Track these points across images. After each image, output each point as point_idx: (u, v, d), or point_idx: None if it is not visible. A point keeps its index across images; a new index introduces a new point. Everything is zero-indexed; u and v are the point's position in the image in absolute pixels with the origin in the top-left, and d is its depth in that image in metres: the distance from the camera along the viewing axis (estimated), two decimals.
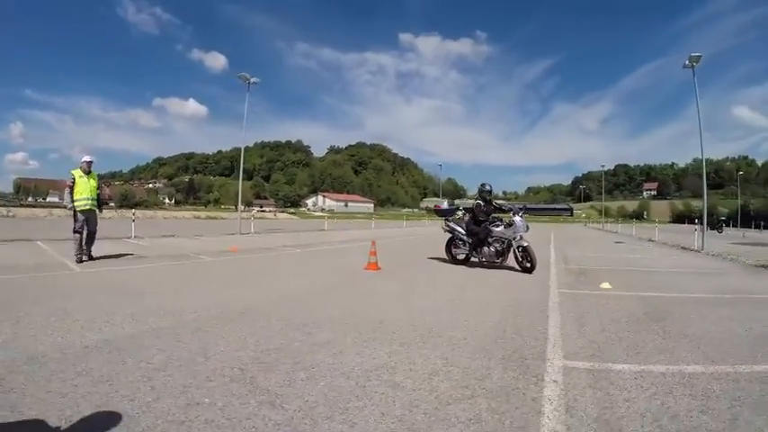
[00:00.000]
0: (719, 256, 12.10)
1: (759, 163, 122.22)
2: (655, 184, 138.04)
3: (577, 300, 5.51)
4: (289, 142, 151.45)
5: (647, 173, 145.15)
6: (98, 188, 7.85)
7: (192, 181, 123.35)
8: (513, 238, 7.72)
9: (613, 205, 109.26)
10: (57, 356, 2.82)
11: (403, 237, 20.00)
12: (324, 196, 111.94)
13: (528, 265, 7.52)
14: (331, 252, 11.88)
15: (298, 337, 3.50)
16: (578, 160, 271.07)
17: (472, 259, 8.37)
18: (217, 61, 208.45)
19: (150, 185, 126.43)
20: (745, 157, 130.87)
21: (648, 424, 2.21)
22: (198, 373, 2.65)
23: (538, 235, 18.56)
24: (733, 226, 46.36)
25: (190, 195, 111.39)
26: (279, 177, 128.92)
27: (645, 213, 78.83)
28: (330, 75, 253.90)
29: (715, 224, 32.71)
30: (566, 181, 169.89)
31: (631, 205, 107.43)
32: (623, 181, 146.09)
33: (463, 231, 8.36)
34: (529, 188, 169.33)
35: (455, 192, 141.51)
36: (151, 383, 2.47)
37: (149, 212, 45.14)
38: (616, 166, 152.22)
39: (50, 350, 2.93)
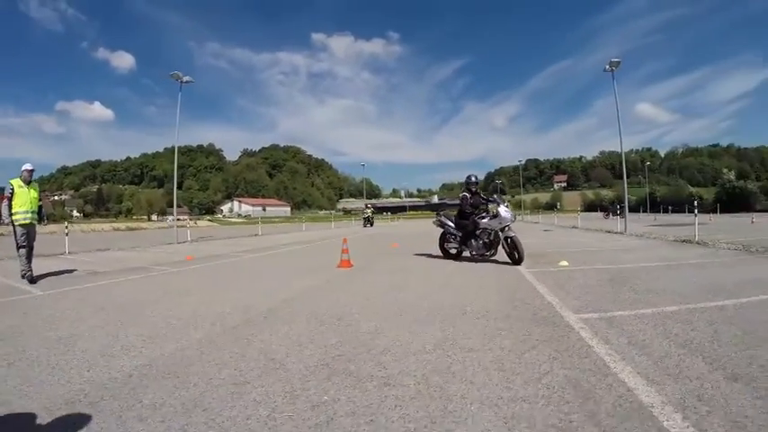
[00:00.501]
0: (643, 236, 14.81)
1: (662, 154, 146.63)
2: (564, 177, 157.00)
3: (549, 275, 6.72)
4: (201, 146, 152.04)
5: (557, 166, 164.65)
6: (39, 199, 7.31)
7: (101, 191, 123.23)
8: (501, 230, 7.95)
9: (527, 198, 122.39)
10: (103, 393, 2.49)
11: (340, 237, 20.31)
12: (240, 202, 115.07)
13: (516, 256, 7.75)
14: (290, 254, 12.19)
15: (347, 329, 3.98)
16: (489, 156, 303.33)
17: (464, 253, 8.73)
18: (124, 61, 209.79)
19: (56, 197, 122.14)
20: (649, 149, 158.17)
21: (665, 341, 3.23)
22: (291, 377, 2.71)
23: None
24: (643, 212, 54.94)
25: (100, 207, 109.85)
26: (192, 184, 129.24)
27: (558, 204, 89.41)
28: (242, 75, 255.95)
29: (616, 211, 38.56)
30: (478, 176, 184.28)
31: (544, 197, 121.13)
32: (534, 175, 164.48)
33: (453, 225, 8.77)
34: (443, 185, 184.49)
35: (371, 191, 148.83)
36: (250, 397, 2.41)
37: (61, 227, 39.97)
38: (527, 161, 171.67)
39: (90, 387, 2.58)
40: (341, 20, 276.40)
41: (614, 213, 39.00)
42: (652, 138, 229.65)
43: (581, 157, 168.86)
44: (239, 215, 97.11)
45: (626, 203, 20.09)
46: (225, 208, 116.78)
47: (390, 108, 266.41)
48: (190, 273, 8.23)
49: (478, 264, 8.16)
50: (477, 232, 8.24)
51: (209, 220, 74.56)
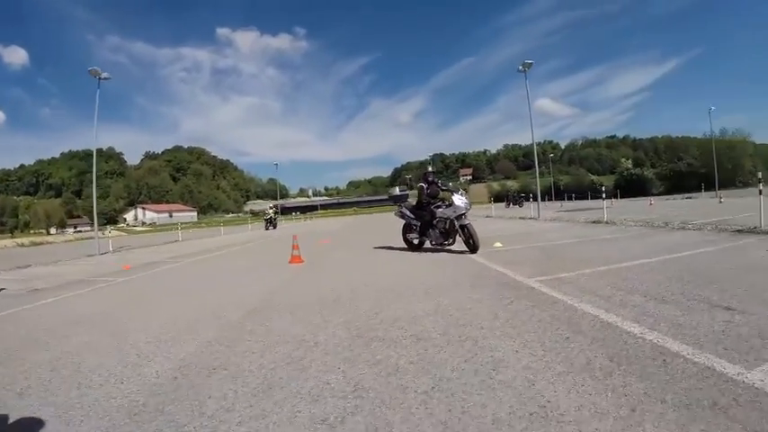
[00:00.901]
0: (555, 220, 17.28)
1: (562, 146, 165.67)
2: (470, 170, 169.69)
3: (492, 254, 7.98)
4: (100, 150, 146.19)
5: (462, 160, 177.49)
6: None
7: None
8: (456, 218, 8.36)
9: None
10: (162, 398, 2.52)
11: (267, 238, 20.16)
12: (144, 209, 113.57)
13: (472, 243, 8.18)
14: (231, 256, 12.45)
15: (349, 308, 4.64)
16: (395, 152, 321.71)
17: (426, 244, 9.25)
18: (17, 56, 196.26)
19: None
20: (551, 142, 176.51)
21: (606, 287, 4.46)
22: (337, 349, 3.35)
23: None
24: (548, 200, 61.76)
25: None
26: (92, 191, 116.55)
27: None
28: (142, 72, 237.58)
29: (516, 200, 43.68)
30: (385, 173, 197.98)
31: None
32: (441, 169, 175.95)
33: (412, 216, 9.29)
34: (350, 182, 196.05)
35: (276, 192, 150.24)
36: (311, 371, 2.94)
37: None
38: (433, 156, 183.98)
39: (142, 396, 2.58)
40: (247, 14, 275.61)
41: (514, 203, 44.58)
42: (553, 131, 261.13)
43: (485, 150, 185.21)
44: (143, 223, 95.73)
45: (538, 192, 22.97)
46: (128, 216, 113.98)
47: (296, 106, 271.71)
48: (140, 280, 8.16)
49: (437, 253, 8.88)
50: (435, 221, 8.76)
51: (113, 230, 70.26)
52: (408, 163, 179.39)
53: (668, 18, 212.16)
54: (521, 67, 21.55)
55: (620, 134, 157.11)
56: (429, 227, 8.92)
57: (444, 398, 2.26)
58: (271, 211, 34.06)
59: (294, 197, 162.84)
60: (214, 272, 8.82)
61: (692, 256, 6.23)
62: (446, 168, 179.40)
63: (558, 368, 2.54)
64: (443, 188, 9.16)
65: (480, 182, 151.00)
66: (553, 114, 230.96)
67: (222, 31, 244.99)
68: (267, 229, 31.17)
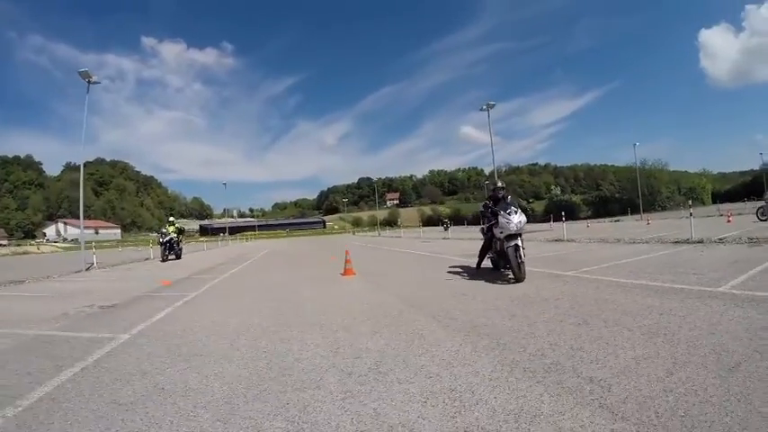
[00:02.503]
0: None
1: (486, 172, 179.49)
2: (397, 195, 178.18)
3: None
4: (17, 158, 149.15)
5: (389, 184, 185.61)
6: None
7: None
8: (506, 239, 7.71)
9: (364, 215, 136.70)
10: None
11: (242, 253, 21.19)
12: (65, 223, 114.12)
13: (519, 270, 7.44)
14: (252, 272, 12.35)
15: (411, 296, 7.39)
16: (321, 175, 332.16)
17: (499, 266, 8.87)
18: None
19: None
20: (475, 168, 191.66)
21: (613, 275, 7.74)
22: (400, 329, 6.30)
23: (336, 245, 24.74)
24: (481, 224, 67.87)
25: None
26: (9, 202, 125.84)
27: (399, 221, 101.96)
28: (64, 76, 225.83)
29: (446, 224, 49.19)
30: (311, 195, 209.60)
31: (381, 214, 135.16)
32: (367, 192, 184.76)
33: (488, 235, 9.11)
34: (276, 204, 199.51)
35: (201, 211, 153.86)
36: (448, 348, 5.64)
37: None
38: (359, 179, 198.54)
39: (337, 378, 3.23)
40: (174, 25, 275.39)
41: (445, 228, 49.68)
42: (476, 157, 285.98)
43: (412, 175, 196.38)
44: (64, 239, 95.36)
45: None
46: (49, 231, 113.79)
47: (221, 123, 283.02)
48: (213, 293, 8.96)
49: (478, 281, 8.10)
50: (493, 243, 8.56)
51: (32, 245, 66.79)
52: (335, 186, 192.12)
53: (587, 54, 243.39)
54: (483, 107, 25.75)
55: (542, 161, 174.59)
56: (489, 249, 9.13)
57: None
58: (171, 229, 21.19)
59: (219, 217, 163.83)
60: (269, 283, 10.04)
61: (655, 256, 9.84)
62: (373, 192, 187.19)
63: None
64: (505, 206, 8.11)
65: (407, 206, 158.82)
66: (476, 142, 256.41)
67: (148, 41, 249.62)
68: (165, 259, 20.16)
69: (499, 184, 8.82)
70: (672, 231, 16.98)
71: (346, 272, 10.62)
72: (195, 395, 3.05)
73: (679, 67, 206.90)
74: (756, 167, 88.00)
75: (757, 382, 2.66)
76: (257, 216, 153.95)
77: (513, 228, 7.64)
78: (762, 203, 21.14)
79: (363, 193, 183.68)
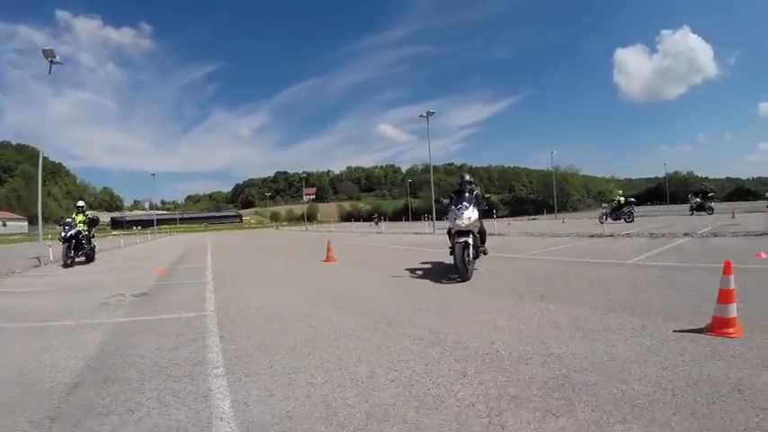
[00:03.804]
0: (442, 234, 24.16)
1: (403, 170, 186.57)
2: (313, 190, 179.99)
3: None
4: None
5: (306, 179, 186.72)
6: None
7: None
8: (457, 234, 7.78)
9: (281, 210, 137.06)
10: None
11: (187, 249, 22.08)
12: None
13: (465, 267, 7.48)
14: (254, 259, 13.28)
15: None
16: (235, 167, 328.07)
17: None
18: None
19: None
20: (392, 166, 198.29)
21: (560, 254, 10.77)
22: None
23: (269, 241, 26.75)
24: (405, 220, 71.66)
25: None
26: None
27: (318, 215, 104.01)
28: None
29: (375, 220, 52.81)
30: (225, 188, 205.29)
31: (299, 209, 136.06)
32: (284, 187, 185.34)
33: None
34: (189, 196, 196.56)
35: (111, 203, 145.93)
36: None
37: None
38: (276, 173, 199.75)
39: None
40: None
41: (375, 223, 53.41)
42: (393, 155, 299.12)
43: (329, 171, 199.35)
44: None
45: (434, 210, 29.94)
46: None
47: (133, 108, 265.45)
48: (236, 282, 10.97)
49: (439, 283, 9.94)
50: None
51: None
52: (251, 179, 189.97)
53: (507, 62, 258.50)
54: (423, 114, 28.73)
55: (457, 162, 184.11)
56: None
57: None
58: (79, 219, 15.13)
59: (130, 210, 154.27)
60: (273, 270, 12.05)
61: (579, 245, 13.16)
62: (289, 187, 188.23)
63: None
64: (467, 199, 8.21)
65: (324, 201, 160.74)
66: (393, 140, 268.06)
67: (62, 14, 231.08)
68: (70, 262, 13.82)
69: (467, 178, 8.63)
70: (586, 228, 20.85)
71: (328, 259, 12.62)
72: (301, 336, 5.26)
73: (594, 81, 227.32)
74: (661, 175, 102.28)
75: (654, 297, 5.45)
76: (170, 209, 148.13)
77: (460, 224, 7.75)
78: (695, 200, 29.40)
79: (280, 188, 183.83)
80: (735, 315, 3.80)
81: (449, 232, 8.37)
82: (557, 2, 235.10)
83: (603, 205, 27.33)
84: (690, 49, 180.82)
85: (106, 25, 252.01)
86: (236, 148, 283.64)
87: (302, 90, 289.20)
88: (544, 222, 37.67)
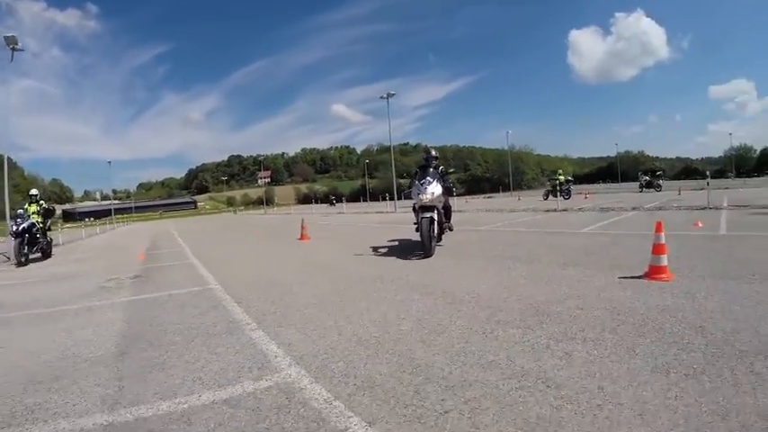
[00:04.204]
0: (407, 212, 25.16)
1: (358, 151, 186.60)
2: (268, 173, 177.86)
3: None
4: None
5: (260, 162, 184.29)
6: None
7: None
8: (421, 209, 7.82)
9: (236, 194, 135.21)
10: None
11: (155, 238, 22.25)
12: None
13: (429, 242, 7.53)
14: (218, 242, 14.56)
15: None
16: (188, 152, 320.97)
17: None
18: None
19: None
20: (347, 147, 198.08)
21: (522, 225, 11.86)
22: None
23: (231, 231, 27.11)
24: (363, 200, 72.48)
25: None
26: None
27: (275, 198, 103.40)
28: None
29: (332, 201, 53.90)
30: (178, 174, 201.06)
31: (255, 192, 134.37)
32: (238, 171, 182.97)
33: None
34: (140, 184, 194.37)
35: (61, 194, 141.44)
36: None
37: None
38: (229, 157, 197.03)
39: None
40: None
41: (332, 204, 54.40)
42: (349, 135, 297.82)
43: (283, 153, 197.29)
44: None
45: (395, 189, 30.82)
46: None
47: (80, 94, 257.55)
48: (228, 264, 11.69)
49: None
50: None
51: None
52: (204, 164, 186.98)
53: (463, 41, 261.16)
54: (384, 95, 29.28)
55: (413, 141, 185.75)
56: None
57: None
58: (32, 209, 13.47)
59: (80, 201, 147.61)
60: (262, 247, 12.87)
61: (537, 218, 14.32)
62: (244, 171, 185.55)
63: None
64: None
65: (280, 184, 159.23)
66: (348, 120, 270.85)
67: None
68: (23, 260, 12.15)
69: (432, 153, 8.69)
70: (541, 204, 22.30)
71: (303, 237, 13.25)
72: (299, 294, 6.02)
73: (548, 62, 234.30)
74: (612, 154, 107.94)
75: (603, 256, 6.49)
76: (122, 198, 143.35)
77: (424, 199, 7.71)
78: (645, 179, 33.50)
79: (234, 172, 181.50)
80: (666, 264, 4.77)
81: (414, 208, 8.38)
82: None
83: (546, 183, 30.61)
84: (643, 32, 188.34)
85: (50, 7, 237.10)
86: (187, 133, 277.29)
87: (255, 70, 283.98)
88: (500, 200, 39.26)
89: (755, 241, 7.23)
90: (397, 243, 10.18)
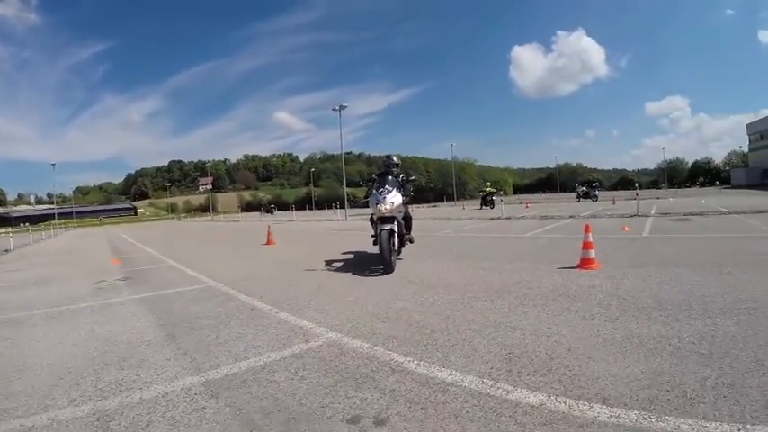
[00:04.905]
0: (357, 221, 26.17)
1: (301, 159, 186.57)
2: (210, 179, 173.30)
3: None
4: None
5: (201, 168, 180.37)
6: None
7: None
8: (379, 221, 7.21)
9: (178, 201, 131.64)
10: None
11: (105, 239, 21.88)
12: None
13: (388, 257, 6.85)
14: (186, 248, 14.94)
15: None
16: (127, 156, 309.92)
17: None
18: None
19: None
20: (290, 154, 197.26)
21: (472, 231, 13.19)
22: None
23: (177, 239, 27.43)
24: (309, 209, 72.72)
25: None
26: None
27: (218, 206, 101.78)
28: None
29: (270, 210, 54.93)
30: (117, 179, 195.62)
31: (197, 199, 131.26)
32: (179, 177, 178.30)
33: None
34: (78, 188, 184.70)
35: None
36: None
37: None
38: (170, 163, 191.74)
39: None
40: None
41: (267, 212, 55.38)
42: (291, 143, 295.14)
43: (225, 159, 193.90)
44: None
45: (345, 197, 31.74)
46: None
47: (15, 91, 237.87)
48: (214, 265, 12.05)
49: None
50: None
51: None
52: (144, 169, 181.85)
53: (408, 53, 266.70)
54: (336, 108, 30.36)
55: (356, 151, 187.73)
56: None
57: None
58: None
59: (14, 205, 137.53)
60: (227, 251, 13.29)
61: (483, 225, 15.77)
62: (185, 177, 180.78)
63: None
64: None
65: (222, 191, 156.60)
66: (291, 128, 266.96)
67: None
68: None
69: (394, 159, 8.12)
70: (485, 213, 23.96)
71: (269, 242, 13.91)
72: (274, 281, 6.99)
73: (492, 76, 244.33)
74: (552, 166, 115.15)
75: (545, 253, 7.80)
76: (58, 202, 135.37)
77: (382, 209, 7.09)
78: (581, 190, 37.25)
79: (174, 177, 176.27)
80: (593, 257, 6.13)
81: (371, 219, 7.70)
82: None
83: (479, 194, 35.29)
84: (584, 50, 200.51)
85: None
86: (127, 136, 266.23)
87: (198, 73, 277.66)
88: (445, 209, 41.13)
89: (668, 241, 8.92)
90: (363, 246, 10.40)
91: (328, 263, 8.42)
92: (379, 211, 7.09)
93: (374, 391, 2.58)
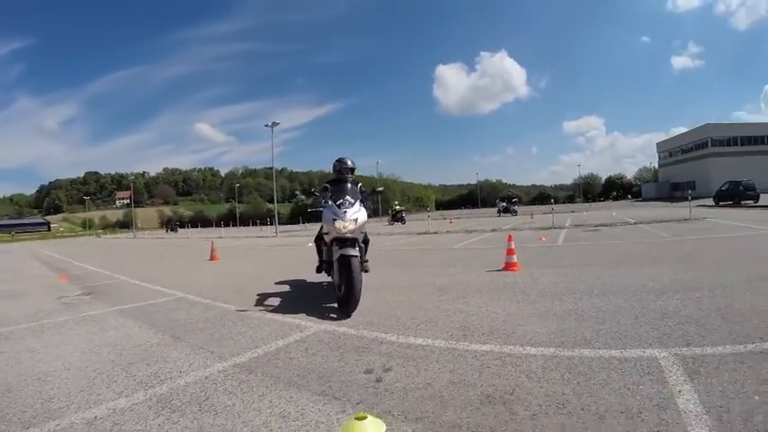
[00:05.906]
0: (288, 237, 26.76)
1: (222, 173, 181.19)
2: (128, 193, 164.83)
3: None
4: None
5: (119, 181, 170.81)
6: None
7: None
8: (334, 243, 5.48)
9: (94, 215, 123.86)
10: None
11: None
12: None
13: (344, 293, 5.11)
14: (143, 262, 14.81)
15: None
16: (40, 165, 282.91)
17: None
18: None
19: None
20: (210, 168, 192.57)
21: (417, 246, 14.42)
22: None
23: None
24: (233, 225, 71.38)
25: None
26: None
27: (137, 222, 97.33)
28: None
29: (174, 227, 55.51)
30: (28, 190, 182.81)
31: (114, 215, 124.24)
32: (95, 189, 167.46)
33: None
34: None
35: None
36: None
37: None
38: (86, 174, 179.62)
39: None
40: None
41: (171, 230, 55.87)
42: (212, 156, 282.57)
43: (144, 172, 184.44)
44: None
45: (276, 213, 32.06)
46: None
47: None
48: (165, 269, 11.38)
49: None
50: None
51: None
52: (57, 180, 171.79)
53: (334, 68, 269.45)
54: (268, 124, 31.04)
55: (278, 166, 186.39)
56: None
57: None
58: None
59: None
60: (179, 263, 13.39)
61: (412, 240, 17.06)
62: (101, 189, 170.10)
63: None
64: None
65: (141, 206, 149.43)
66: (212, 140, 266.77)
67: None
68: None
69: (348, 163, 6.28)
70: (413, 229, 25.39)
71: (213, 258, 14.11)
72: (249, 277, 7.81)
73: (416, 94, 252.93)
74: (473, 182, 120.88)
75: (473, 261, 9.12)
76: None
77: (342, 229, 5.32)
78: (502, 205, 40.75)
79: (90, 190, 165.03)
80: (516, 261, 7.50)
81: (318, 238, 6.25)
82: (385, 14, 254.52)
83: (390, 212, 38.91)
84: (505, 70, 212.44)
85: None
86: (40, 143, 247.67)
87: (118, 80, 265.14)
88: (371, 224, 42.26)
89: (579, 248, 10.72)
90: (306, 260, 10.21)
91: (276, 274, 8.93)
92: (338, 230, 5.30)
93: (373, 354, 3.55)
